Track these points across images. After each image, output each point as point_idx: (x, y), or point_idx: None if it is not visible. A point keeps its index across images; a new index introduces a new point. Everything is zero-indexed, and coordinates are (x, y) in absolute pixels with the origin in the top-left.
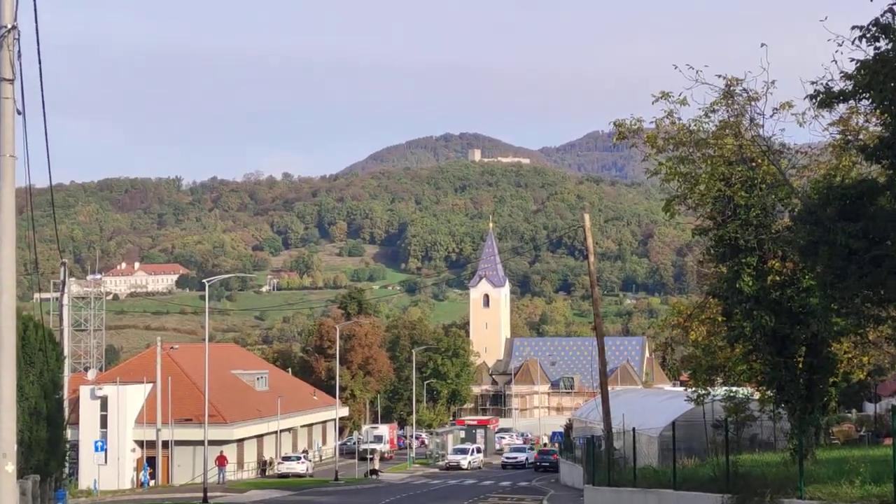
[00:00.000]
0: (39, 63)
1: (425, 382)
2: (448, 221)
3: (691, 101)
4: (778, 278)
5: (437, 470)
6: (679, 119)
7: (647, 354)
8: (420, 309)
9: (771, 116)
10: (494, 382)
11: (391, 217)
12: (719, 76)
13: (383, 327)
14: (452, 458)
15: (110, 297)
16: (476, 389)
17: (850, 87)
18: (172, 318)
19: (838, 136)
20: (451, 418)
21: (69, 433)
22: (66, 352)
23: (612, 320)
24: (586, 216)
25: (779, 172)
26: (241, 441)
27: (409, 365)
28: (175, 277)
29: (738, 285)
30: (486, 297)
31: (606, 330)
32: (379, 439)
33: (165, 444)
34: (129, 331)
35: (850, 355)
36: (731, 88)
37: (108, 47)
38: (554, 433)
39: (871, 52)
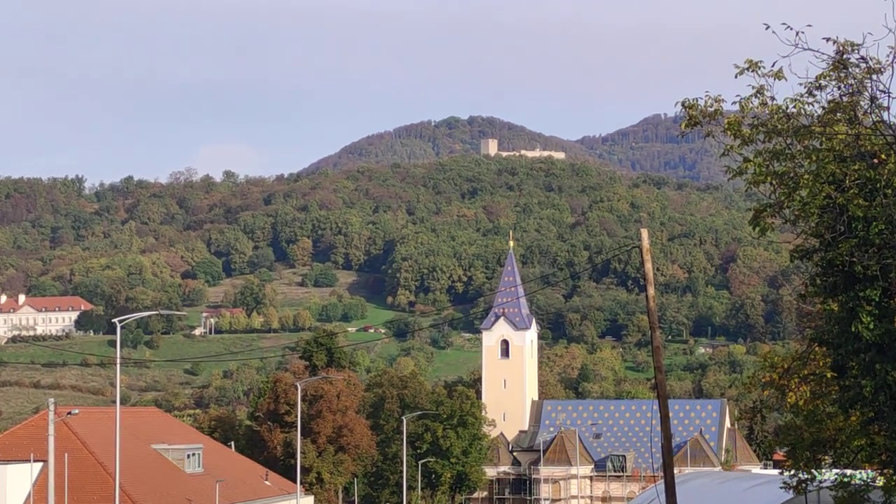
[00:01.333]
0: None
1: (420, 462)
2: (452, 239)
3: (789, 74)
4: None
5: None
6: (772, 99)
7: (727, 424)
8: (413, 360)
9: None
10: (516, 462)
11: (374, 232)
12: (827, 40)
13: (362, 385)
14: None
15: None
16: (491, 472)
17: None
18: (71, 372)
19: None
20: None
21: None
22: None
23: (679, 376)
24: (644, 232)
25: None
26: None
27: (399, 438)
28: (74, 315)
29: (854, 328)
30: (506, 343)
31: (671, 390)
32: None
33: None
34: (11, 389)
35: None
36: (845, 57)
37: None
38: None
39: None
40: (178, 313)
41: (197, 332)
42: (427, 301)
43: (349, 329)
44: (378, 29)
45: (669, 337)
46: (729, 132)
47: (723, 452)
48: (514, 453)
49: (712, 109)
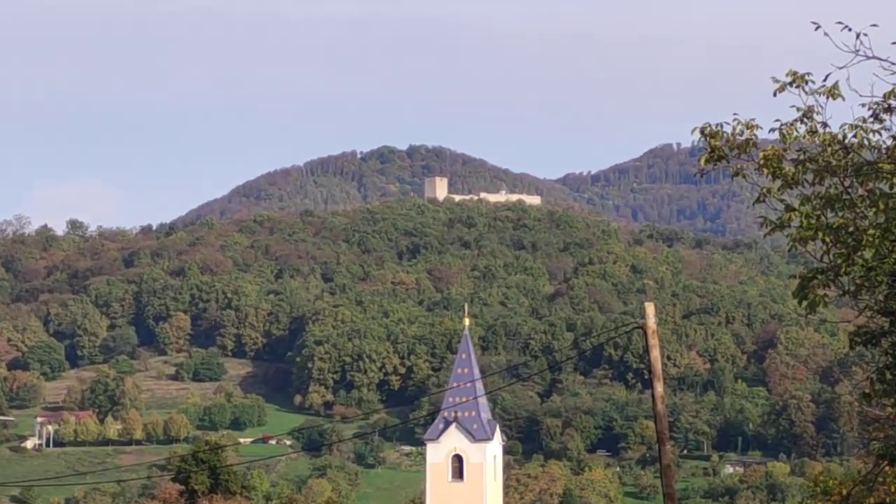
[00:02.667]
0: None
1: None
2: (385, 315)
3: (847, 92)
4: None
5: None
6: (825, 125)
7: None
8: (331, 483)
9: None
10: None
11: (276, 306)
12: None
13: None
14: None
15: None
16: None
17: None
18: None
19: None
20: None
21: None
22: None
23: (697, 503)
24: (649, 307)
25: None
26: None
27: None
28: None
29: None
30: (459, 459)
31: None
32: None
33: None
34: None
35: None
36: None
37: None
38: None
39: None
40: (4, 418)
41: (29, 443)
42: (350, 401)
43: (242, 440)
44: (284, 30)
45: (685, 451)
46: (766, 170)
47: None
48: None
49: (743, 138)
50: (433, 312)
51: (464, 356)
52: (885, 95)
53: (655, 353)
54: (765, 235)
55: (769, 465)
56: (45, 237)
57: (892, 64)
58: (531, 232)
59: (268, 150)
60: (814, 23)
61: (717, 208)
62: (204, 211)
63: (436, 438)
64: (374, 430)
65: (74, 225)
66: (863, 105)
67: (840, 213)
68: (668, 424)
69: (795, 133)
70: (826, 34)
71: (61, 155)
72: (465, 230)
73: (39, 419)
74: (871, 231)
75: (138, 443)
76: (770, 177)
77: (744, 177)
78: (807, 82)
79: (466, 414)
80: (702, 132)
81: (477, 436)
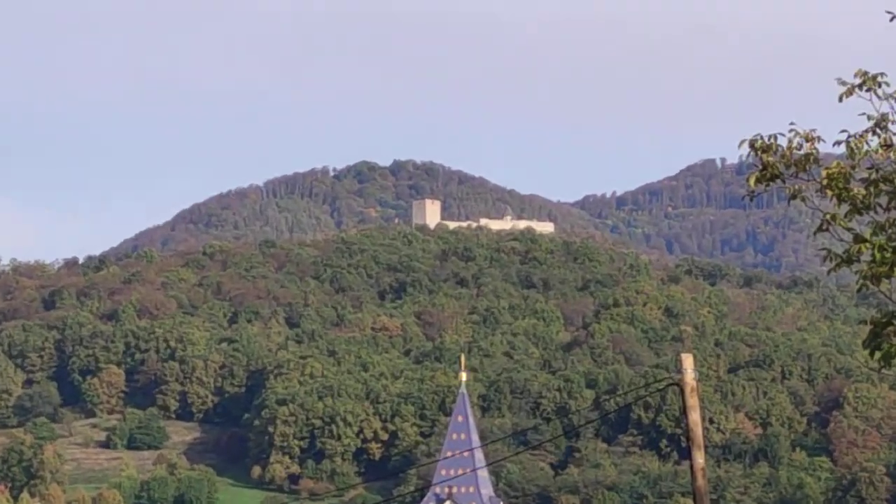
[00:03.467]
0: None
1: None
2: (363, 368)
3: None
4: None
5: None
6: None
7: None
8: None
9: None
10: None
11: (230, 357)
12: None
13: None
14: None
15: None
16: None
17: None
18: None
19: None
20: None
21: None
22: None
23: None
24: (687, 359)
25: None
26: None
27: None
28: None
29: None
30: None
31: None
32: None
33: None
34: None
35: None
36: None
37: None
38: None
39: None
40: None
41: None
42: (320, 474)
43: None
44: (236, 22)
45: None
46: (830, 192)
47: None
48: None
49: (802, 153)
50: (422, 365)
51: (460, 419)
52: None
53: (695, 416)
54: (829, 272)
55: None
56: None
57: None
58: (542, 267)
59: (220, 167)
60: (889, 12)
61: (771, 238)
62: (142, 241)
63: None
64: None
65: None
66: None
67: None
68: (710, 502)
69: (866, 147)
70: None
71: None
72: (461, 264)
73: None
74: None
75: None
76: (835, 200)
77: (803, 200)
78: (880, 85)
79: (463, 490)
80: (751, 145)
81: None
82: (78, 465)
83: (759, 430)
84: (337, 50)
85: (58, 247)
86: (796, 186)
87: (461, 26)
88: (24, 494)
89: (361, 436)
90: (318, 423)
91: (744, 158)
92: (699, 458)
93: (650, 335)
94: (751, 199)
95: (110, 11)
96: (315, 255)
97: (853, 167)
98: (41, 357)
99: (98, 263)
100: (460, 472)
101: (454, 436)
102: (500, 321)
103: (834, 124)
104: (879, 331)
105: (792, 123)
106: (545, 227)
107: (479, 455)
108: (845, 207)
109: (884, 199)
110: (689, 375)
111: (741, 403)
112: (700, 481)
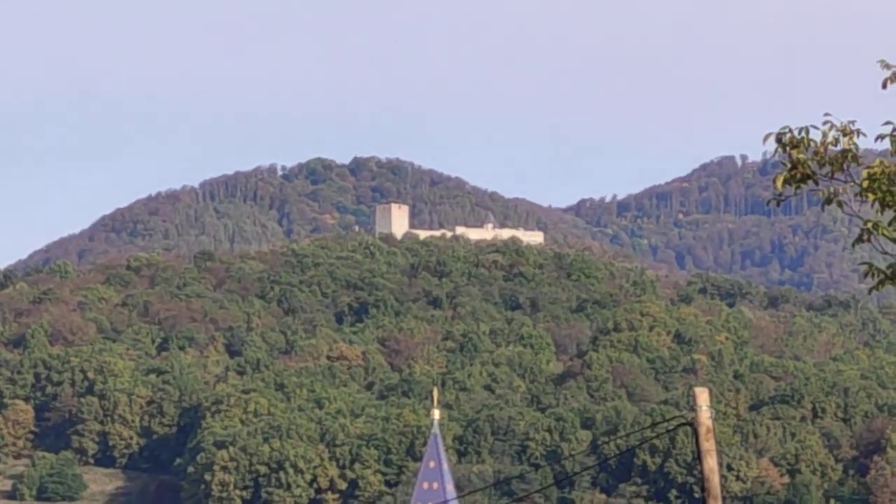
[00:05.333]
0: None
1: None
2: (317, 404)
3: None
4: None
5: None
6: None
7: None
8: None
9: None
10: None
11: (159, 391)
12: None
13: None
14: None
15: None
16: None
17: None
18: None
19: None
20: None
21: None
22: None
23: None
24: (701, 394)
25: None
26: None
27: None
28: None
29: None
30: None
31: None
32: None
33: None
34: None
35: None
36: None
37: None
38: None
39: None
40: None
41: None
42: None
43: None
44: None
45: None
46: (871, 195)
47: None
48: None
49: (838, 149)
50: (387, 401)
51: (432, 465)
52: None
53: (711, 462)
54: (870, 291)
55: None
56: None
57: None
58: (530, 284)
59: (147, 165)
60: None
61: (800, 250)
62: (55, 252)
63: None
64: None
65: None
66: None
67: None
68: None
69: None
70: None
71: None
72: (433, 281)
73: None
74: None
75: None
76: (878, 205)
77: (839, 205)
78: None
79: None
80: (778, 140)
81: None
82: None
83: (787, 479)
84: (284, 27)
85: None
86: (831, 189)
87: (433, 2)
88: None
89: (315, 485)
90: (263, 469)
91: (769, 156)
92: None
93: (657, 366)
94: (777, 204)
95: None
96: (260, 269)
97: None
98: None
99: (2, 279)
100: None
101: (425, 485)
102: (480, 349)
103: (876, 115)
104: None
105: (826, 114)
106: (533, 237)
107: None
108: (890, 214)
109: None
110: (705, 414)
111: (765, 447)
112: None
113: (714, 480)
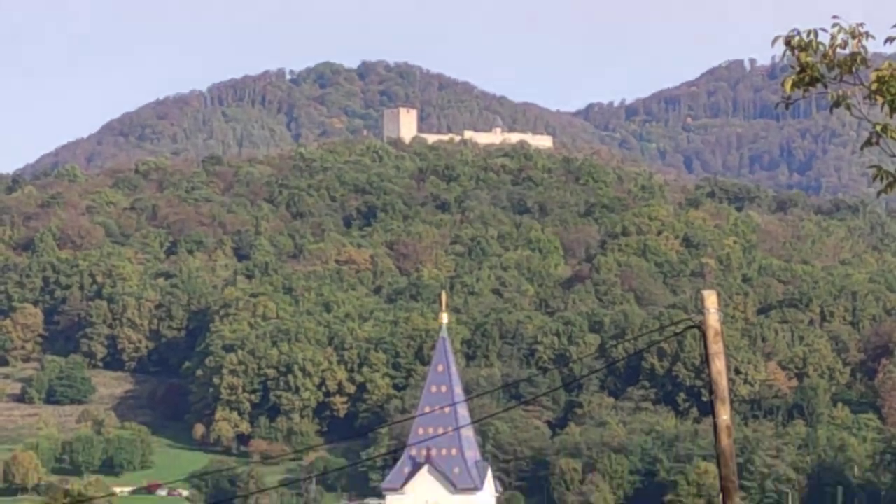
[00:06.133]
0: None
1: None
2: (325, 308)
3: None
4: None
5: None
6: None
7: None
8: None
9: None
10: None
11: (168, 295)
12: None
13: None
14: None
15: None
16: None
17: None
18: None
19: None
20: None
21: None
22: None
23: None
24: (709, 298)
25: None
26: None
27: None
28: None
29: None
30: None
31: None
32: None
33: None
34: None
35: None
36: None
37: None
38: None
39: None
40: None
41: None
42: (275, 434)
43: (118, 490)
44: None
45: None
46: (880, 98)
47: None
48: None
49: (847, 52)
50: (396, 305)
51: (440, 368)
52: None
53: (719, 364)
54: (878, 194)
55: None
56: None
57: None
58: (538, 188)
59: (155, 70)
60: None
61: (809, 154)
62: (63, 156)
63: (399, 488)
64: (309, 475)
65: None
66: None
67: None
68: (736, 468)
69: None
70: None
71: None
72: (441, 185)
73: None
74: None
75: None
76: (886, 108)
77: (848, 108)
78: None
79: (444, 452)
80: (787, 43)
81: (459, 484)
82: None
83: (795, 383)
84: None
85: None
86: (840, 92)
87: None
88: None
89: (323, 388)
90: (271, 373)
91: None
92: (724, 415)
93: (665, 270)
94: (786, 108)
95: None
96: (269, 174)
97: None
98: None
99: (11, 183)
100: (440, 431)
101: (433, 388)
102: (488, 253)
103: (886, 17)
104: None
105: (835, 17)
106: (542, 142)
107: (462, 411)
108: None
109: None
110: (713, 317)
111: (773, 351)
112: (725, 441)
113: (722, 383)
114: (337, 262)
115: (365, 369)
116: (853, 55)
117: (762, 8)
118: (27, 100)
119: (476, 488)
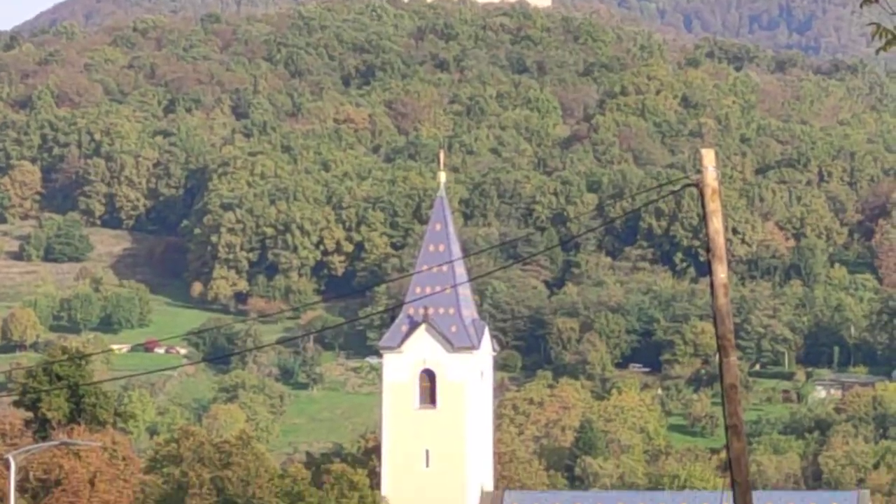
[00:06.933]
0: None
1: None
2: (323, 167)
3: None
4: None
5: None
6: None
7: None
8: (245, 410)
9: None
10: None
11: (166, 153)
12: None
13: (140, 463)
14: None
15: None
16: None
17: None
18: None
19: None
20: None
21: None
22: None
23: (775, 442)
24: (707, 156)
25: None
26: None
27: None
28: None
29: None
30: (430, 377)
31: (760, 470)
32: None
33: None
34: None
35: None
36: None
37: None
38: None
39: None
40: None
41: None
42: (273, 292)
43: (115, 347)
44: None
45: (757, 366)
46: None
47: None
48: None
49: None
50: (394, 164)
51: (438, 227)
52: None
53: (717, 223)
54: (877, 52)
55: (878, 386)
56: None
57: None
58: (537, 47)
59: None
60: None
61: (808, 14)
62: (61, 13)
63: (397, 346)
64: (307, 333)
65: None
66: None
67: None
68: (733, 329)
69: None
70: None
71: None
72: (440, 44)
73: None
74: None
75: None
76: None
77: None
78: None
79: (441, 311)
80: None
81: (456, 343)
82: None
83: (792, 243)
84: None
85: None
86: None
87: None
88: None
89: (321, 247)
90: (269, 231)
91: None
92: (721, 273)
93: (664, 129)
94: None
95: None
96: (267, 32)
97: None
98: None
99: (9, 41)
100: (438, 289)
101: (431, 247)
102: (487, 112)
103: None
104: None
105: None
106: (541, 1)
107: (460, 270)
108: None
109: None
110: (711, 175)
111: (771, 211)
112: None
113: (719, 241)
114: (335, 120)
115: (363, 228)
116: None
117: None
118: None
119: (473, 347)
